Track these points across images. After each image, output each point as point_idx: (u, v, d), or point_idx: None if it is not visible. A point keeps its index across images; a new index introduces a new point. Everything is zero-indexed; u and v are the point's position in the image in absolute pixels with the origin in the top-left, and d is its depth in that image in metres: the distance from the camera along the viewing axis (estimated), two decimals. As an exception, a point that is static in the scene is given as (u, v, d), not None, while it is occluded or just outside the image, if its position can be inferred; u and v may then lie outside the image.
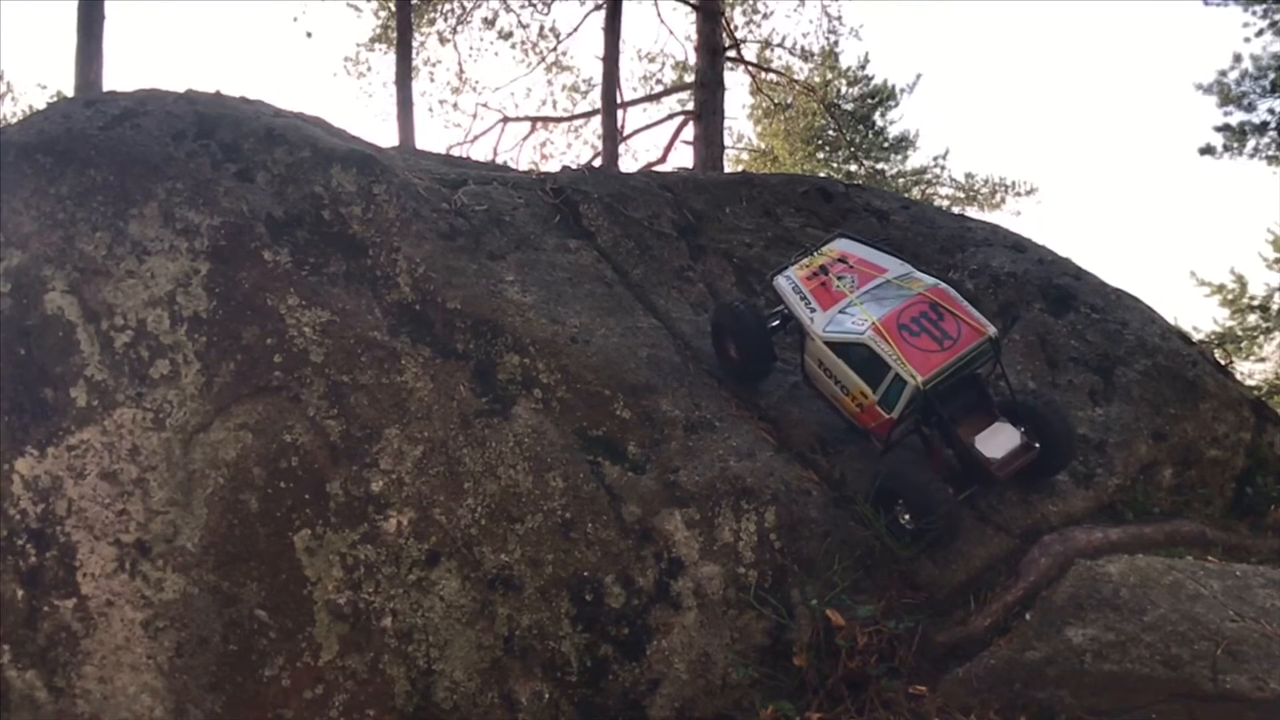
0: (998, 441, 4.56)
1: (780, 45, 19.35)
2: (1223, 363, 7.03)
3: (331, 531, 4.44)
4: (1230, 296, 20.50)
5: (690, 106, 16.70)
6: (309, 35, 27.30)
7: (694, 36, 16.85)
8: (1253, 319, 20.40)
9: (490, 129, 19.00)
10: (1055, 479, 5.16)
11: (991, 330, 4.52)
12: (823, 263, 5.01)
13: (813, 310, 4.79)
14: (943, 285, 4.68)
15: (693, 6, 16.59)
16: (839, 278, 4.85)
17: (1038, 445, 4.63)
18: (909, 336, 4.42)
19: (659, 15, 24.46)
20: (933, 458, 4.81)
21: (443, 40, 18.26)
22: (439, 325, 4.91)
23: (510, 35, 18.23)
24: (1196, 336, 17.55)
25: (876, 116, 22.81)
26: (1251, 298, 20.31)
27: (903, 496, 4.48)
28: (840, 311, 4.71)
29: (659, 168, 15.81)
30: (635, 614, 4.37)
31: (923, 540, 4.48)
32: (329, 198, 5.18)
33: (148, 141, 5.11)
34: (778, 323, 5.20)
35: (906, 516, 4.48)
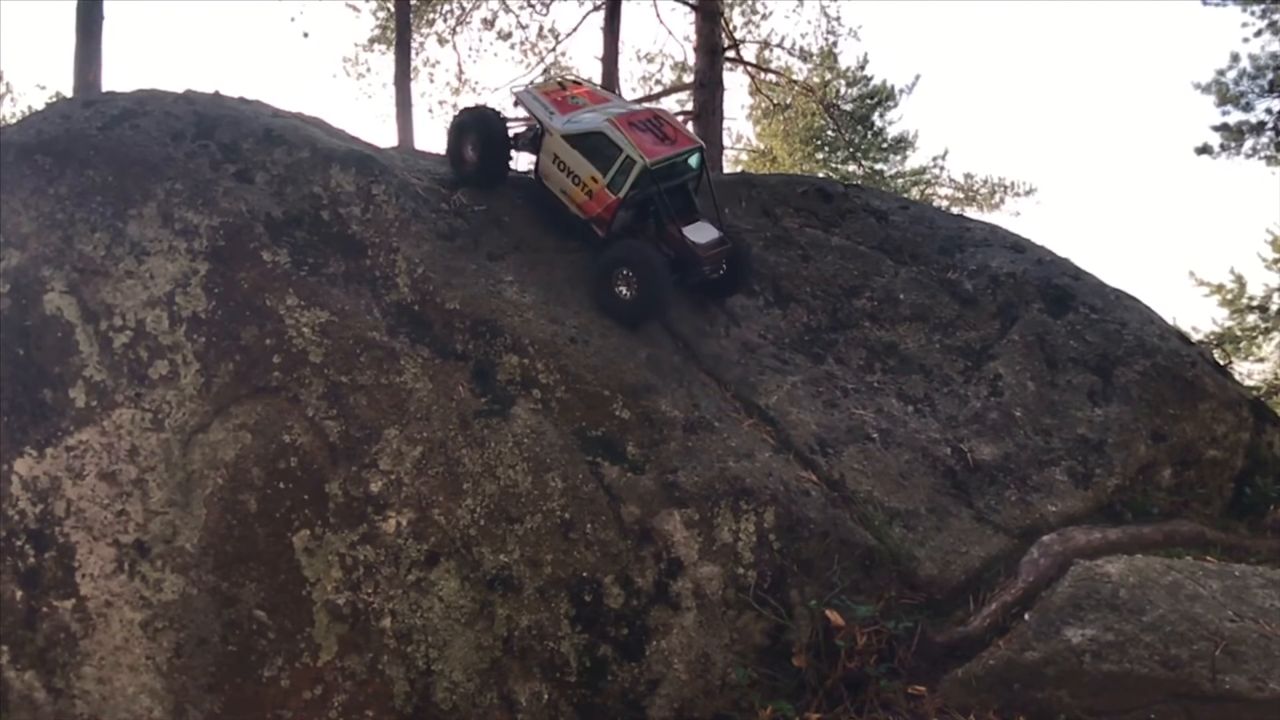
0: (702, 233, 5.50)
1: (779, 45, 19.28)
2: (1222, 363, 7.03)
3: (330, 532, 4.44)
4: (1229, 296, 20.44)
5: (689, 107, 16.65)
6: (305, 35, 27.14)
7: (693, 37, 16.81)
8: (1252, 319, 20.33)
9: (489, 129, 18.92)
10: (1055, 479, 5.18)
11: (700, 143, 5.66)
12: (561, 82, 6.08)
13: (552, 113, 5.69)
14: (662, 108, 5.86)
15: (692, 7, 16.56)
16: (573, 97, 5.86)
17: (730, 244, 5.58)
18: (637, 131, 5.36)
19: (658, 15, 24.28)
20: None
21: (442, 41, 18.21)
22: (438, 325, 4.91)
23: (510, 36, 18.18)
24: (1196, 336, 17.53)
25: (875, 117, 22.75)
26: (1250, 298, 20.24)
27: (631, 265, 5.19)
28: (576, 115, 5.64)
29: (658, 168, 15.72)
30: (634, 614, 4.37)
31: (637, 310, 5.19)
32: (328, 198, 5.18)
33: (147, 142, 5.11)
34: (518, 135, 5.89)
35: (624, 289, 5.19)
